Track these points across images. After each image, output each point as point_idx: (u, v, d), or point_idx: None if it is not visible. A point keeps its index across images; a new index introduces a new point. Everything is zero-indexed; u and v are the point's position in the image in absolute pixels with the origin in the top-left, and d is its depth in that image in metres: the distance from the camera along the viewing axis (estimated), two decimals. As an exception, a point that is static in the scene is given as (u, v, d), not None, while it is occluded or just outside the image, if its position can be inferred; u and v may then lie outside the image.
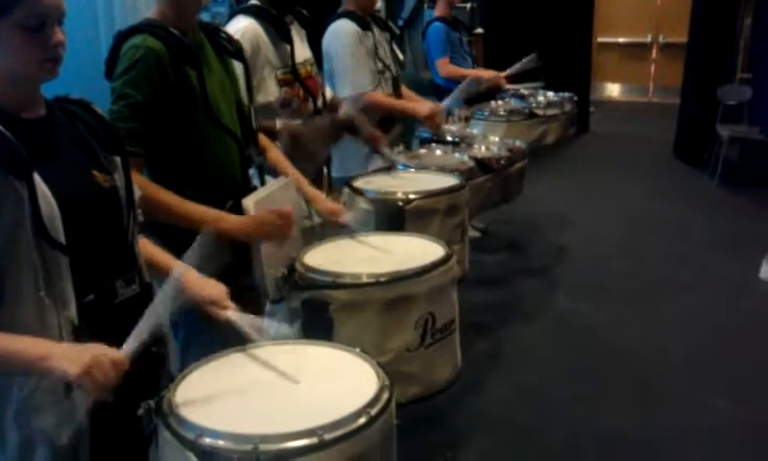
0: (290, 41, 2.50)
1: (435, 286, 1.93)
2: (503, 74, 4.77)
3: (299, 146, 2.41)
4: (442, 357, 2.01)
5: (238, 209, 1.91)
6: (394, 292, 1.86)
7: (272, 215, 1.89)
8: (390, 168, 2.94)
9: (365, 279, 1.86)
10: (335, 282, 1.86)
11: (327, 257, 2.04)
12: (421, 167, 3.05)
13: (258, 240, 1.88)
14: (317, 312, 1.83)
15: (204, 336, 1.69)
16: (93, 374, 1.22)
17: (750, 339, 3.73)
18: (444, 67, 4.72)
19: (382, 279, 1.87)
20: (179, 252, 1.69)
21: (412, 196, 2.47)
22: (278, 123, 2.45)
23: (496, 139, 3.77)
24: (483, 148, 3.54)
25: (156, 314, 1.33)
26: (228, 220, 1.87)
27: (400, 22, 7.11)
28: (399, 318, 1.88)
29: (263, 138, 2.24)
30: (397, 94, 3.35)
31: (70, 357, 1.23)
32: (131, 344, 1.30)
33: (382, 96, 3.17)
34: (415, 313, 1.89)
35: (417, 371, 1.91)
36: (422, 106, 3.30)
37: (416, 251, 2.07)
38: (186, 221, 1.81)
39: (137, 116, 1.77)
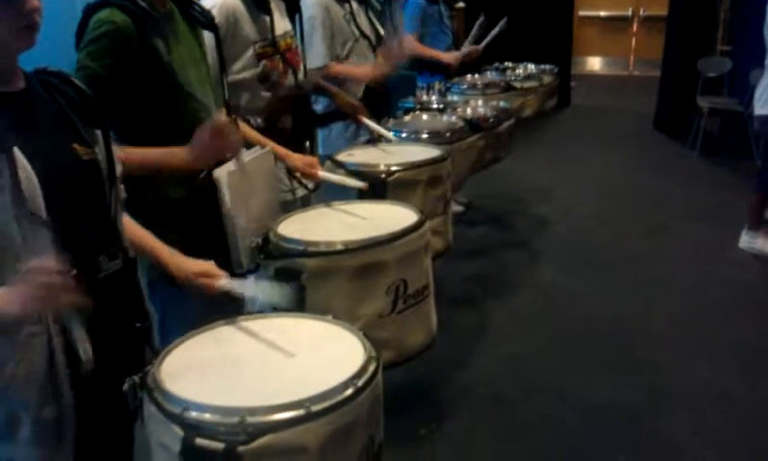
0: (269, 13, 2.47)
1: (406, 253, 1.93)
2: (480, 47, 4.74)
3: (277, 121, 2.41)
4: (415, 323, 2.02)
5: (211, 180, 1.90)
6: (364, 259, 1.86)
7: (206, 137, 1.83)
8: (372, 141, 2.93)
9: (335, 247, 1.86)
10: (306, 251, 1.86)
11: (301, 226, 2.03)
12: (412, 131, 3.04)
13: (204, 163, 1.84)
14: (289, 280, 1.83)
15: (181, 309, 1.68)
16: (36, 300, 1.18)
17: (729, 306, 3.79)
18: (410, 43, 4.69)
19: (352, 247, 1.86)
20: (159, 229, 1.70)
21: (394, 168, 2.46)
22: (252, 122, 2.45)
23: (480, 102, 3.76)
24: (469, 110, 3.54)
25: None
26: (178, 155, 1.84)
27: (381, -3, 7.04)
28: (371, 285, 1.88)
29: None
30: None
31: (7, 299, 1.19)
32: None
33: (339, 66, 3.13)
34: (386, 279, 1.90)
35: (389, 336, 1.91)
36: (363, 70, 3.19)
37: (389, 218, 2.07)
38: (147, 167, 1.81)
39: (95, 88, 1.74)
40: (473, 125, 3.30)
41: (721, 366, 3.21)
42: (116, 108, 1.80)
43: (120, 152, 1.58)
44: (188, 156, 1.83)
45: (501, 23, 4.63)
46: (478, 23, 4.70)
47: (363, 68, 3.18)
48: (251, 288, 1.59)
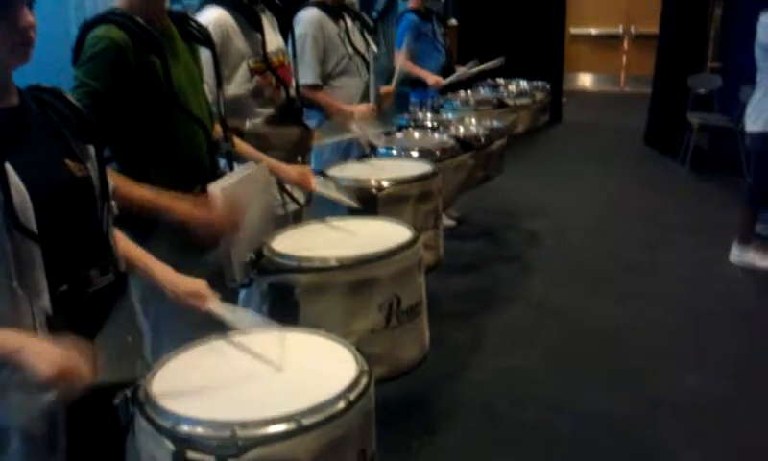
0: (261, 30, 2.49)
1: (400, 269, 1.95)
2: (471, 70, 4.75)
3: (265, 148, 2.42)
4: (408, 339, 2.03)
5: (206, 195, 1.91)
6: (357, 275, 1.88)
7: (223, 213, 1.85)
8: (363, 157, 2.95)
9: (329, 263, 1.87)
10: (300, 266, 1.88)
11: (295, 242, 2.05)
12: (402, 148, 3.06)
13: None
14: (283, 295, 1.85)
15: (175, 322, 1.68)
16: (65, 378, 1.20)
17: (719, 318, 3.81)
18: (398, 58, 4.72)
19: (346, 263, 1.88)
20: (152, 243, 1.70)
21: (384, 183, 2.48)
22: (246, 124, 2.45)
23: (473, 120, 3.80)
24: (461, 128, 3.57)
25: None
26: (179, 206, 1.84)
27: (374, 14, 7.09)
28: (364, 300, 1.90)
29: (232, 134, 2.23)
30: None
31: (44, 355, 1.20)
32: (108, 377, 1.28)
33: (322, 95, 3.12)
34: (379, 296, 1.91)
35: (382, 352, 1.92)
36: (358, 109, 3.14)
37: (383, 234, 2.08)
38: (144, 208, 1.80)
39: (95, 105, 1.74)
40: (464, 143, 3.33)
41: (713, 376, 3.23)
42: (115, 124, 1.81)
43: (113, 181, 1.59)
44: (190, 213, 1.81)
45: (499, 59, 4.64)
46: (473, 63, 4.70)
47: (347, 107, 3.11)
48: (239, 319, 1.58)
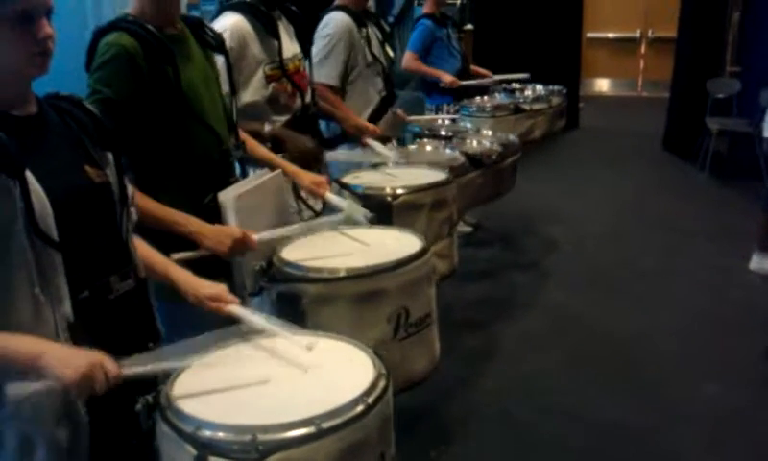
0: (278, 37, 2.51)
1: (408, 281, 1.93)
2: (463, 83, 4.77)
3: (283, 150, 2.42)
4: (416, 351, 2.00)
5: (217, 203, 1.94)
6: (365, 286, 1.87)
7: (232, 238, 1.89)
8: (378, 165, 2.95)
9: (337, 274, 1.87)
10: (307, 276, 1.87)
11: (305, 251, 2.03)
12: (412, 163, 3.05)
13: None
14: (291, 305, 1.84)
15: (195, 327, 1.70)
16: (88, 382, 1.23)
17: (739, 327, 3.78)
18: (408, 59, 4.74)
19: (353, 274, 1.87)
20: (167, 251, 1.71)
21: (399, 191, 2.47)
22: (266, 126, 2.46)
23: (489, 133, 3.77)
24: (475, 143, 3.54)
25: (167, 361, 1.37)
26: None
27: (390, 20, 7.12)
28: (372, 312, 1.88)
29: (247, 137, 2.24)
30: (388, 90, 3.36)
31: (66, 361, 1.23)
32: (133, 369, 1.31)
33: (339, 102, 3.13)
34: (387, 307, 1.89)
35: (390, 363, 1.90)
36: (366, 125, 3.16)
37: (394, 245, 2.06)
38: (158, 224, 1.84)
39: (107, 112, 1.74)
40: (474, 161, 3.30)
41: (732, 384, 3.20)
42: (129, 131, 1.82)
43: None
44: (205, 237, 1.86)
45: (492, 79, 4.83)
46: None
47: (363, 123, 3.14)
48: (259, 322, 1.60)
